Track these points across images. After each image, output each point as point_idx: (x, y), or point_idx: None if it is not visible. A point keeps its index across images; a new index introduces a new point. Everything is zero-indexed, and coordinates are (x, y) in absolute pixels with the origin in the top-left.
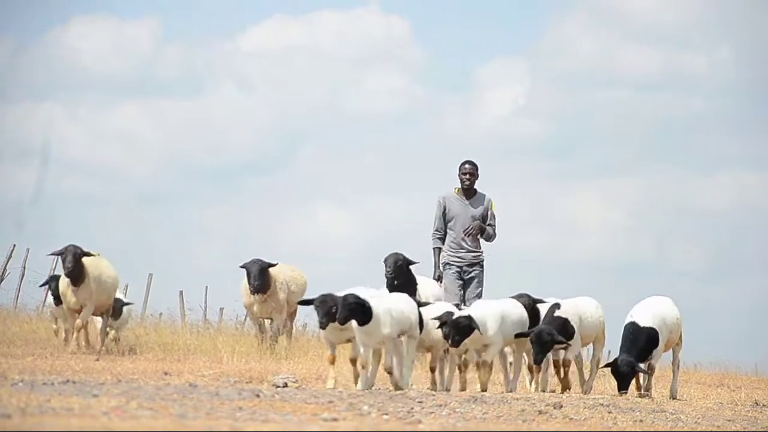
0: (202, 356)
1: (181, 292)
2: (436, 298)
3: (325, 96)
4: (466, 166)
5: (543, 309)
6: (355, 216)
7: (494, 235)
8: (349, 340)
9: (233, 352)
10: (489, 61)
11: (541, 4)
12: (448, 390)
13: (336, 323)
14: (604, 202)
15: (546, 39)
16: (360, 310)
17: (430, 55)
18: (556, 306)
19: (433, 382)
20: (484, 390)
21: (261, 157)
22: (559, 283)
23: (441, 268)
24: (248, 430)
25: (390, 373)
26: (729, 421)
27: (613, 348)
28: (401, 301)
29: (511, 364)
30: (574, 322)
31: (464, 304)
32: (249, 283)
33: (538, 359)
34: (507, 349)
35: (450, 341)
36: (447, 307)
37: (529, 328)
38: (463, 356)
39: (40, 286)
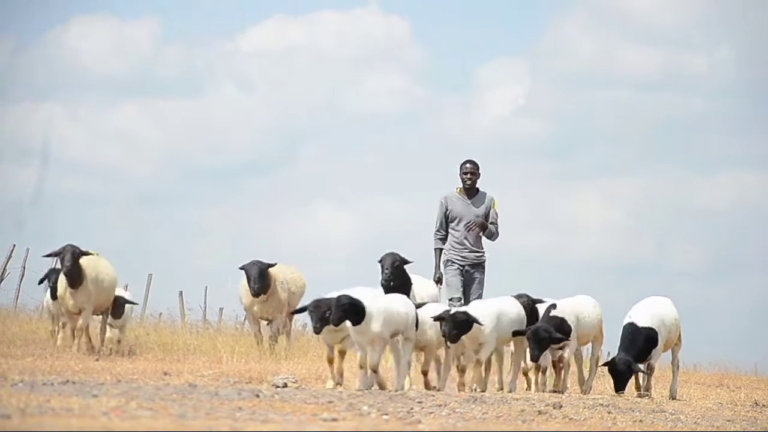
0: (201, 356)
1: (181, 293)
2: (432, 298)
3: (325, 96)
4: (467, 165)
5: (542, 310)
6: (355, 216)
7: (496, 233)
8: (344, 339)
9: (233, 352)
10: (489, 61)
11: (541, 4)
12: (439, 389)
13: (330, 325)
14: (604, 202)
15: (546, 39)
16: (353, 311)
17: (430, 55)
18: (553, 306)
19: (426, 386)
20: (483, 390)
21: (261, 157)
22: (560, 283)
23: (442, 269)
24: (248, 430)
25: (374, 371)
26: (728, 421)
27: (612, 348)
28: (398, 301)
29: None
30: (571, 321)
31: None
32: (249, 286)
33: (534, 356)
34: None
35: (448, 336)
36: (444, 307)
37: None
38: (461, 358)
39: (39, 282)
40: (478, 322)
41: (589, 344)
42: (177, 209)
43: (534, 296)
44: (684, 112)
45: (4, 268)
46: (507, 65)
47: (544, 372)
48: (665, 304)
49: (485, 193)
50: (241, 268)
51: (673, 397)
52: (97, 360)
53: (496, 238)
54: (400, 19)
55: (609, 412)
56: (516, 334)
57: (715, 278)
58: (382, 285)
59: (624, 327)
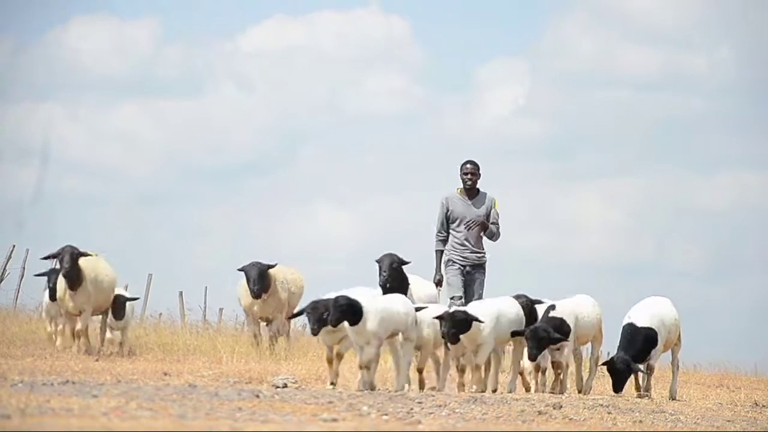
0: (201, 357)
1: (181, 293)
2: (430, 299)
3: (325, 96)
4: (468, 165)
5: (541, 310)
6: (355, 216)
7: (498, 233)
8: (342, 340)
9: (233, 352)
10: (489, 61)
11: (541, 4)
12: (439, 390)
13: (328, 326)
14: (604, 203)
15: (546, 39)
16: (351, 311)
17: (430, 55)
18: (552, 307)
19: (420, 384)
20: (482, 390)
21: (261, 157)
22: (560, 283)
23: (442, 270)
24: (248, 430)
25: (366, 368)
26: (728, 421)
27: (612, 349)
28: (397, 301)
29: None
30: (570, 322)
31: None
32: (249, 287)
33: (532, 355)
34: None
35: (447, 335)
36: (443, 308)
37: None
38: (461, 359)
39: (37, 275)
40: (478, 320)
41: (589, 344)
42: (177, 209)
43: (533, 297)
44: (684, 112)
45: (4, 269)
46: (507, 65)
47: (543, 373)
48: (665, 305)
49: (486, 194)
50: (241, 270)
51: (672, 398)
52: (97, 360)
53: (497, 238)
54: (400, 19)
55: (609, 413)
56: (515, 334)
57: (715, 278)
58: (380, 286)
59: (623, 327)
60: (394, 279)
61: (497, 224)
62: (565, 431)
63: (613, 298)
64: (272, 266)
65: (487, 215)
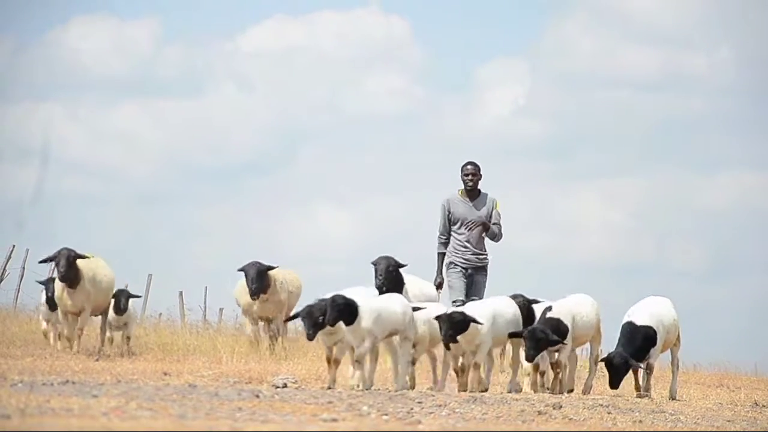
0: (201, 357)
1: (181, 293)
2: (428, 298)
3: (325, 96)
4: (468, 167)
5: (538, 310)
6: (355, 216)
7: (500, 234)
8: (340, 342)
9: (233, 352)
10: (489, 61)
11: (541, 4)
12: (439, 389)
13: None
14: (605, 203)
15: (546, 39)
16: (348, 310)
17: (430, 55)
18: (549, 308)
19: (411, 376)
20: (483, 390)
21: (261, 157)
22: (560, 283)
23: (444, 273)
24: (248, 430)
25: (358, 362)
26: (728, 421)
27: (612, 348)
28: (394, 301)
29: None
30: (567, 321)
31: None
32: (248, 286)
33: (530, 356)
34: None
35: (444, 337)
36: (443, 309)
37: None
38: (460, 359)
39: (38, 281)
40: (476, 322)
41: (587, 345)
42: (177, 209)
43: (530, 296)
44: (684, 112)
45: (4, 269)
46: (507, 65)
47: (542, 375)
48: (664, 304)
49: (487, 195)
50: (240, 270)
51: (672, 398)
52: (97, 360)
53: (499, 239)
54: (400, 19)
55: (609, 413)
56: (513, 335)
57: (715, 278)
58: (376, 288)
59: (623, 326)
60: (390, 282)
61: (499, 225)
62: (565, 431)
63: (613, 298)
64: (272, 267)
65: (489, 216)
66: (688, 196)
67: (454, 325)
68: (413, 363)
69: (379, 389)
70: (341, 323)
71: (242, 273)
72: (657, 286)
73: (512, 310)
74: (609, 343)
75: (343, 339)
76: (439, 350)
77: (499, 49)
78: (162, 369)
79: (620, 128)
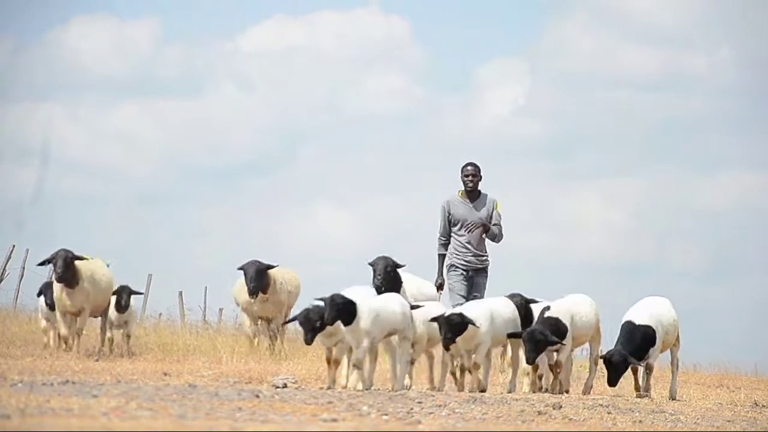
0: (201, 357)
1: (181, 293)
2: (427, 297)
3: (325, 96)
4: (468, 167)
5: (536, 310)
6: (355, 216)
7: (500, 234)
8: (339, 342)
9: (233, 352)
10: (489, 61)
11: (541, 4)
12: (439, 389)
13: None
14: (605, 203)
15: (546, 39)
16: (347, 310)
17: (430, 55)
18: (547, 308)
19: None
20: (482, 390)
21: (261, 157)
22: (560, 283)
23: (444, 275)
24: (248, 430)
25: (358, 367)
26: (728, 421)
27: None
28: (392, 301)
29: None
30: (566, 320)
31: None
32: (246, 284)
33: (530, 358)
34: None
35: (443, 339)
36: (442, 308)
37: (522, 328)
38: (460, 360)
39: (38, 295)
40: (473, 324)
41: (586, 345)
42: (177, 209)
43: (528, 296)
44: (684, 112)
45: (4, 269)
46: (507, 65)
47: (540, 378)
48: (663, 304)
49: (487, 195)
50: (240, 268)
51: (672, 398)
52: (97, 360)
53: (499, 240)
54: (400, 19)
55: (609, 413)
56: (511, 336)
57: (715, 278)
58: (374, 288)
59: (622, 325)
60: (388, 282)
61: (499, 226)
62: (564, 431)
63: (614, 298)
64: (272, 266)
65: (489, 217)
66: (688, 196)
67: (452, 328)
68: (412, 363)
69: (378, 389)
70: (339, 323)
71: (242, 272)
72: (657, 286)
73: (510, 309)
74: (609, 343)
75: (343, 339)
76: (437, 350)
77: (499, 49)
78: (162, 369)
79: (620, 128)
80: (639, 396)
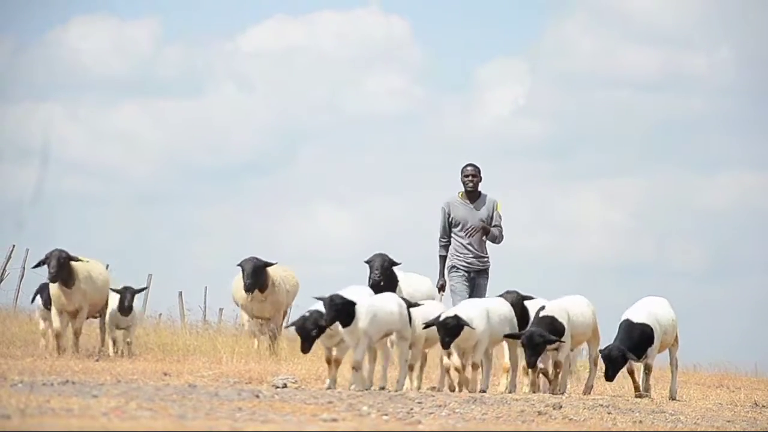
0: (201, 357)
1: (181, 293)
2: (424, 295)
3: (325, 96)
4: (468, 168)
5: (531, 308)
6: (355, 216)
7: (500, 236)
8: (340, 342)
9: (233, 352)
10: (489, 61)
11: (541, 4)
12: (439, 389)
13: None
14: (605, 203)
15: (546, 39)
16: (346, 311)
17: (430, 55)
18: (542, 308)
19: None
20: (483, 390)
21: (261, 157)
22: (560, 283)
23: (445, 276)
24: (248, 430)
25: (357, 369)
26: (728, 422)
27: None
28: (389, 300)
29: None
30: (562, 319)
31: None
32: (243, 281)
33: (531, 362)
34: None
35: (442, 343)
36: (440, 307)
37: (518, 325)
38: (454, 358)
39: (32, 301)
40: (469, 326)
41: (584, 346)
42: (177, 209)
43: (523, 293)
44: (684, 112)
45: (4, 269)
46: (507, 65)
47: (538, 375)
48: (661, 304)
49: (487, 196)
50: (239, 265)
51: (672, 398)
52: (97, 360)
53: (500, 241)
54: (400, 19)
55: (609, 413)
56: (509, 337)
57: (715, 278)
58: (371, 286)
59: (620, 323)
60: (386, 278)
61: (500, 227)
62: (564, 431)
63: (614, 298)
64: (270, 264)
65: (489, 218)
66: (688, 196)
67: (449, 331)
68: (411, 367)
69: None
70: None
71: (240, 268)
72: (657, 286)
73: (505, 308)
74: (608, 343)
75: (342, 341)
76: (435, 351)
77: (499, 49)
78: (162, 369)
79: (620, 128)
80: (639, 396)
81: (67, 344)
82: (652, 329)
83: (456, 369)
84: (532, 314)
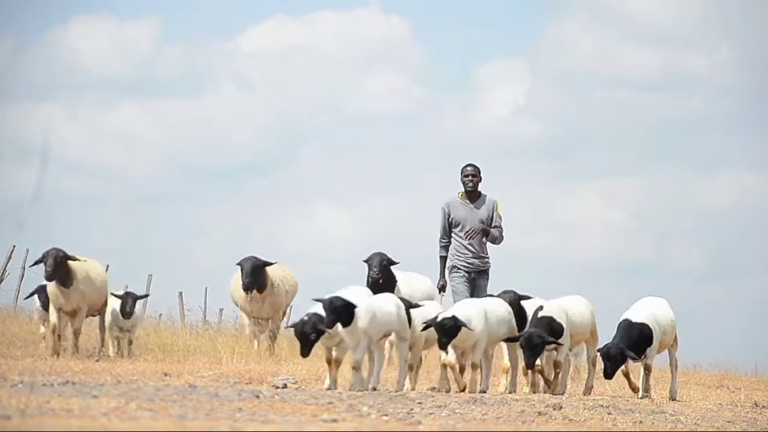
0: (201, 357)
1: (181, 293)
2: (423, 295)
3: (325, 96)
4: (468, 168)
5: (528, 308)
6: (355, 216)
7: (500, 237)
8: (341, 343)
9: (233, 353)
10: (489, 61)
11: (541, 4)
12: (439, 390)
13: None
14: (605, 203)
15: (546, 39)
16: (345, 312)
17: (430, 55)
18: (540, 308)
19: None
20: (483, 390)
21: (261, 157)
22: (560, 283)
23: (446, 277)
24: (248, 430)
25: (356, 369)
26: (728, 422)
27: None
28: (388, 301)
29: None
30: (560, 319)
31: None
32: (242, 280)
33: (530, 363)
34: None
35: (439, 344)
36: (439, 307)
37: (515, 324)
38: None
39: (26, 298)
40: (466, 327)
41: (583, 346)
42: (177, 209)
43: (521, 292)
44: (684, 112)
45: (4, 269)
46: (507, 65)
47: (538, 374)
48: (661, 305)
49: (487, 196)
50: (238, 264)
51: (672, 398)
52: (97, 361)
53: (500, 241)
54: (400, 19)
55: (609, 413)
56: (508, 340)
57: (715, 278)
58: (369, 285)
59: (619, 323)
60: (384, 277)
61: (500, 227)
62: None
63: (614, 298)
64: (269, 263)
65: (490, 218)
66: (688, 196)
67: (446, 332)
68: (410, 369)
69: (378, 389)
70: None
71: (239, 267)
72: (657, 286)
73: (503, 308)
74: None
75: (342, 341)
76: (434, 351)
77: (499, 49)
78: (162, 369)
79: (620, 128)
80: (639, 396)
81: (67, 345)
82: (651, 329)
83: (450, 366)
84: (529, 314)
